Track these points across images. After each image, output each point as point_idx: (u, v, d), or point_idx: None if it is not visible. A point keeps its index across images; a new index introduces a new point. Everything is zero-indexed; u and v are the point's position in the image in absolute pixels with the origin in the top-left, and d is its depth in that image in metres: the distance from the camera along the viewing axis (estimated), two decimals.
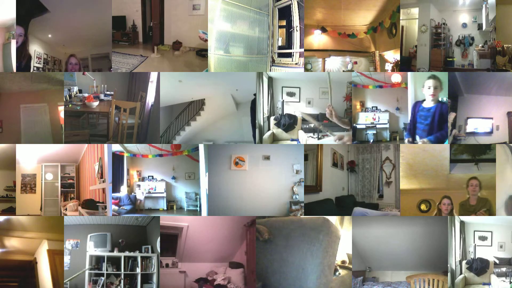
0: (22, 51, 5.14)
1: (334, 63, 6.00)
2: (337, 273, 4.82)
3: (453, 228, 5.07)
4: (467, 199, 4.98)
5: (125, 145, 5.70)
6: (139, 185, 6.43)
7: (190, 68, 5.73)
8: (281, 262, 3.94)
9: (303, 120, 6.33)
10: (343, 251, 5.04)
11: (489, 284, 4.96)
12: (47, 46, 5.38)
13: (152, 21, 6.45)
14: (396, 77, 5.70)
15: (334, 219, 4.93)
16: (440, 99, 4.73)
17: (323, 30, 6.04)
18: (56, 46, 5.41)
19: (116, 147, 5.61)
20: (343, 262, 5.05)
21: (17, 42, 5.09)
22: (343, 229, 5.06)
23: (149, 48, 6.29)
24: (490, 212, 4.92)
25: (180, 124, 6.83)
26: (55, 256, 5.13)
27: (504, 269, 4.99)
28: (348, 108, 6.14)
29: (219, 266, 5.51)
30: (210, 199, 5.11)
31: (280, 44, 5.61)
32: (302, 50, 5.45)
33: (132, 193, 6.48)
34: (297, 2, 5.48)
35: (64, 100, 5.31)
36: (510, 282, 4.87)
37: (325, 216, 3.93)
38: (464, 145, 5.11)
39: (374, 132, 6.07)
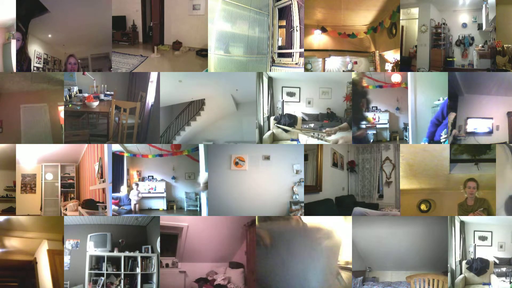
0: (22, 55, 5.14)
1: (334, 63, 6.00)
2: (338, 277, 4.82)
3: (453, 228, 5.07)
4: (465, 200, 4.98)
5: (125, 145, 5.70)
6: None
7: (190, 68, 5.73)
8: (283, 269, 3.93)
9: (303, 120, 6.34)
10: (347, 251, 5.02)
11: (489, 284, 4.96)
12: (47, 46, 5.38)
13: (152, 21, 6.45)
14: (396, 77, 5.70)
15: (334, 219, 4.94)
16: None
17: (323, 30, 6.04)
18: (56, 46, 5.41)
19: (116, 147, 5.61)
20: (347, 263, 5.02)
21: (15, 46, 5.10)
22: (343, 229, 5.05)
23: (149, 48, 6.28)
24: (489, 211, 4.92)
25: (180, 124, 6.82)
26: (55, 256, 5.13)
27: (504, 269, 4.99)
28: (348, 108, 6.14)
29: (219, 266, 5.51)
30: (210, 199, 5.11)
31: (280, 44, 5.60)
32: (302, 50, 5.45)
33: None
34: (297, 2, 5.48)
35: (64, 100, 5.30)
36: (510, 282, 4.87)
37: (327, 227, 3.91)
38: (464, 145, 5.11)
39: (374, 132, 6.06)
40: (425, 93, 5.22)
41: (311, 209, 5.20)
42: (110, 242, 5.30)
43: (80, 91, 5.84)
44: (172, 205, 6.57)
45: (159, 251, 5.17)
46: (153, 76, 5.36)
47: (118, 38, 6.03)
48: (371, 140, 5.97)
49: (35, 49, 5.28)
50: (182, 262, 5.44)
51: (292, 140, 6.01)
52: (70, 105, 5.48)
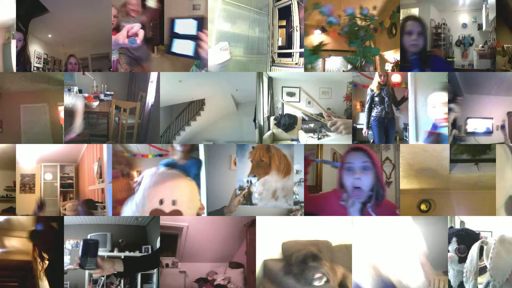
0: (24, 56, 5.14)
1: (334, 63, 6.00)
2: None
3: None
4: None
5: (125, 145, 5.70)
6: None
7: (190, 68, 5.72)
8: None
9: (303, 120, 6.34)
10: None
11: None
12: (47, 46, 5.37)
13: (152, 21, 6.44)
14: (396, 77, 5.70)
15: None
16: None
17: (323, 30, 6.03)
18: (56, 46, 5.40)
19: (116, 147, 5.60)
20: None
21: (16, 47, 5.09)
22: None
23: (149, 48, 6.27)
24: None
25: (180, 124, 6.82)
26: None
27: None
28: (348, 108, 6.14)
29: (219, 266, 5.51)
30: (210, 199, 5.11)
31: (280, 44, 5.61)
32: (302, 50, 5.45)
33: None
34: (297, 2, 5.49)
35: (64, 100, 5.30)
36: None
37: None
38: (464, 145, 5.11)
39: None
40: (425, 93, 5.22)
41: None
42: (110, 242, 5.30)
43: (80, 91, 5.84)
44: None
45: None
46: (153, 76, 5.36)
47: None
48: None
49: (35, 49, 5.28)
50: (182, 262, 5.44)
51: (292, 140, 6.01)
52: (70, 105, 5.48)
